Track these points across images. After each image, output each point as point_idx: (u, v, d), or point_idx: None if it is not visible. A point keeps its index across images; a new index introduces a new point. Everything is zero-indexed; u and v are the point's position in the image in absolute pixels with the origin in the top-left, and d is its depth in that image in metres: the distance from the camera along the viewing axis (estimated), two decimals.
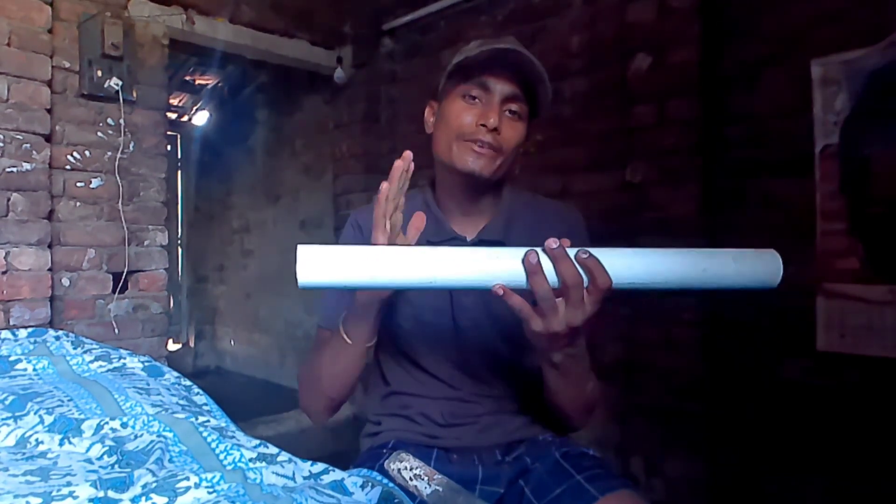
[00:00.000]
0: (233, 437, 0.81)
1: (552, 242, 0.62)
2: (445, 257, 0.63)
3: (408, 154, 0.72)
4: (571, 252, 0.63)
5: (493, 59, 0.83)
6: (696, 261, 0.65)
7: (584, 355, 0.80)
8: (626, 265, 0.64)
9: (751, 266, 0.67)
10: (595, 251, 0.64)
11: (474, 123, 0.84)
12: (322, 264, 0.61)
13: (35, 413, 0.87)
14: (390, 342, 0.94)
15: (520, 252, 0.63)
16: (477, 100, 0.85)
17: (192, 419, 0.84)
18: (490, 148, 0.84)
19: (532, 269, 0.63)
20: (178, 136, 4.70)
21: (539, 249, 0.63)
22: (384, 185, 0.71)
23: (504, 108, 0.85)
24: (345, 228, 0.99)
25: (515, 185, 1.00)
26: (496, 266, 0.63)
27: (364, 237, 0.95)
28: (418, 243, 0.93)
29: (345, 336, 0.82)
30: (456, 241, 0.92)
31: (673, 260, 0.65)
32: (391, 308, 0.89)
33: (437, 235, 0.93)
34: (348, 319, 0.82)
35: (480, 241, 0.92)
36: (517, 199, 0.97)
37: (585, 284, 0.64)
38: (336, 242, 1.00)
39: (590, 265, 0.63)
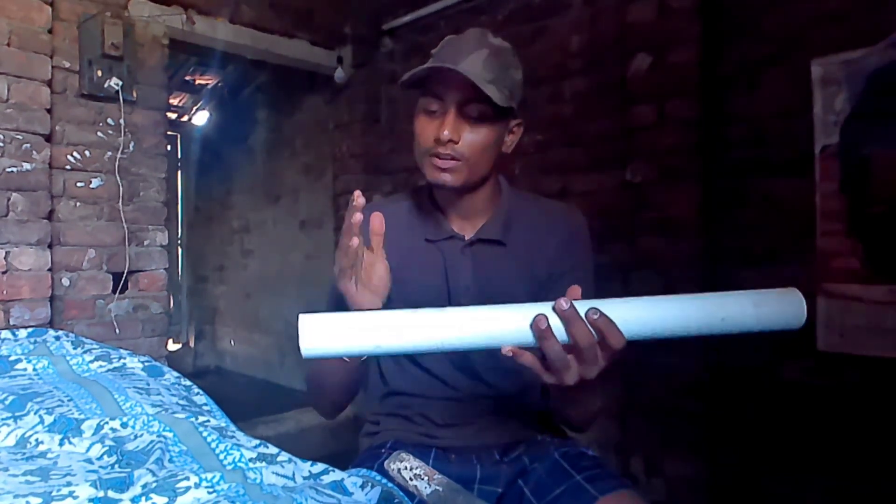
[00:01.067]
0: (233, 437, 0.81)
1: (563, 303, 0.60)
2: (452, 322, 0.61)
3: (359, 202, 0.69)
4: (582, 310, 0.61)
5: (436, 71, 0.81)
6: (713, 308, 0.63)
7: (596, 386, 0.80)
8: (639, 318, 0.62)
9: (772, 310, 0.64)
10: (606, 305, 0.62)
11: (432, 138, 0.84)
12: (325, 334, 0.59)
13: (35, 413, 0.87)
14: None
15: (529, 312, 0.61)
16: (436, 112, 0.85)
17: (192, 419, 0.84)
18: (450, 159, 0.84)
19: (541, 334, 0.60)
20: (178, 136, 4.70)
21: (548, 310, 0.61)
22: (351, 242, 0.70)
23: (463, 114, 0.83)
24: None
25: (516, 185, 1.01)
26: (505, 328, 0.61)
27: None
28: (415, 242, 0.94)
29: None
30: (454, 239, 0.93)
31: (689, 308, 0.63)
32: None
33: (436, 235, 0.93)
34: None
35: (478, 240, 0.92)
36: (517, 198, 0.97)
37: (597, 339, 0.62)
38: (336, 242, 1.00)
39: (601, 326, 0.61)
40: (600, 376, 0.65)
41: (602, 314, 0.61)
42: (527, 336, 0.61)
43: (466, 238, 0.93)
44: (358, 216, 0.69)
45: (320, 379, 0.88)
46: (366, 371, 0.89)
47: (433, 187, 0.91)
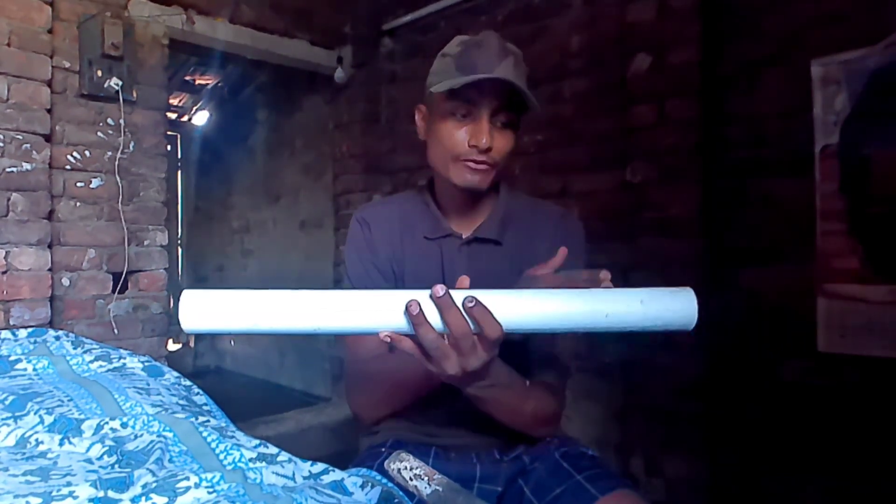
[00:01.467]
0: (233, 437, 0.81)
1: (438, 290, 0.59)
2: (329, 303, 0.60)
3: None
4: (459, 298, 0.60)
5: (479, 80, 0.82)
6: (598, 304, 0.62)
7: (508, 383, 0.79)
8: (519, 311, 0.61)
9: (661, 308, 0.62)
10: (485, 295, 0.61)
11: (466, 143, 0.85)
12: (205, 309, 0.60)
13: (35, 413, 0.87)
14: None
15: (404, 297, 0.60)
16: (466, 117, 0.85)
17: (192, 419, 0.84)
18: (485, 164, 0.86)
19: (415, 320, 0.60)
20: (178, 136, 4.70)
21: (423, 296, 0.60)
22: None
23: (493, 121, 0.85)
24: (351, 228, 0.99)
25: (514, 186, 1.01)
26: (382, 313, 0.60)
27: (372, 234, 0.96)
28: (414, 240, 0.95)
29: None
30: (452, 237, 0.94)
31: (573, 303, 0.62)
32: None
33: (435, 232, 0.95)
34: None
35: (476, 239, 0.94)
36: (515, 199, 0.98)
37: (475, 331, 0.62)
38: (336, 242, 1.01)
39: (476, 315, 0.60)
40: (500, 373, 0.66)
41: (478, 303, 0.60)
42: (403, 322, 0.61)
43: (464, 237, 0.94)
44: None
45: (381, 375, 0.87)
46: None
47: (453, 188, 0.91)
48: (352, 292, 0.62)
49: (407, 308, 0.59)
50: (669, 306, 0.62)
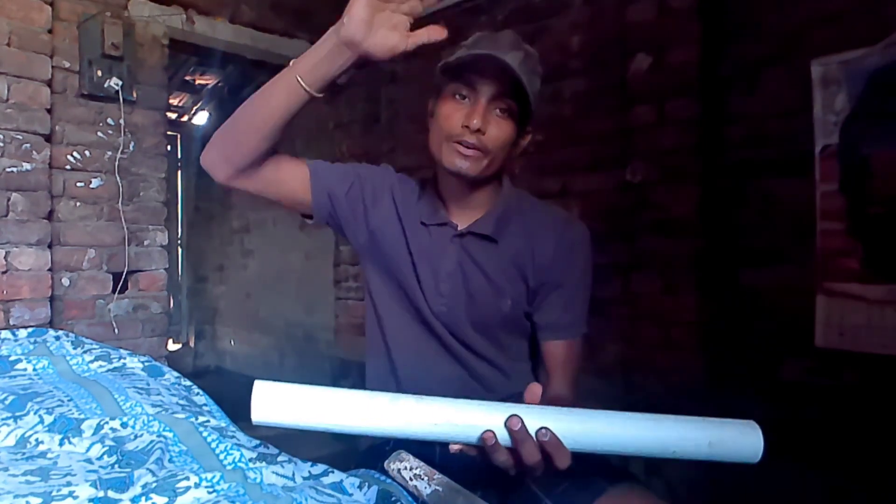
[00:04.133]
0: (233, 437, 0.81)
1: (514, 423, 0.61)
2: (402, 415, 0.62)
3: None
4: (533, 425, 0.61)
5: (479, 61, 0.82)
6: (667, 440, 0.64)
7: None
8: (589, 436, 0.63)
9: (727, 448, 0.64)
10: (558, 417, 0.63)
11: (460, 124, 0.84)
12: (279, 403, 0.61)
13: (35, 413, 0.87)
14: (389, 304, 0.98)
15: (480, 417, 0.62)
16: (466, 99, 0.85)
17: (192, 419, 0.84)
18: (475, 149, 0.85)
19: (490, 449, 0.62)
20: (178, 136, 4.71)
21: (498, 421, 0.61)
22: None
23: (492, 107, 0.84)
24: (355, 165, 1.01)
25: (519, 186, 1.01)
26: (455, 430, 0.62)
27: (369, 188, 0.97)
28: (411, 223, 0.95)
29: (298, 75, 0.77)
30: (447, 226, 0.94)
31: (644, 434, 0.64)
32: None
33: (431, 219, 0.95)
34: (309, 53, 0.79)
35: (470, 233, 0.94)
36: (517, 198, 0.98)
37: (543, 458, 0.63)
38: (336, 242, 1.02)
39: (549, 448, 0.62)
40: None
41: (552, 435, 0.61)
42: (475, 439, 0.62)
43: (459, 228, 0.94)
44: None
45: (247, 106, 0.83)
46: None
47: (446, 174, 0.91)
48: (426, 403, 0.63)
49: (482, 437, 0.61)
50: (734, 445, 0.64)
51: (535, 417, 0.62)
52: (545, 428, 0.61)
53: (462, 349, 0.95)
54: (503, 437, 0.62)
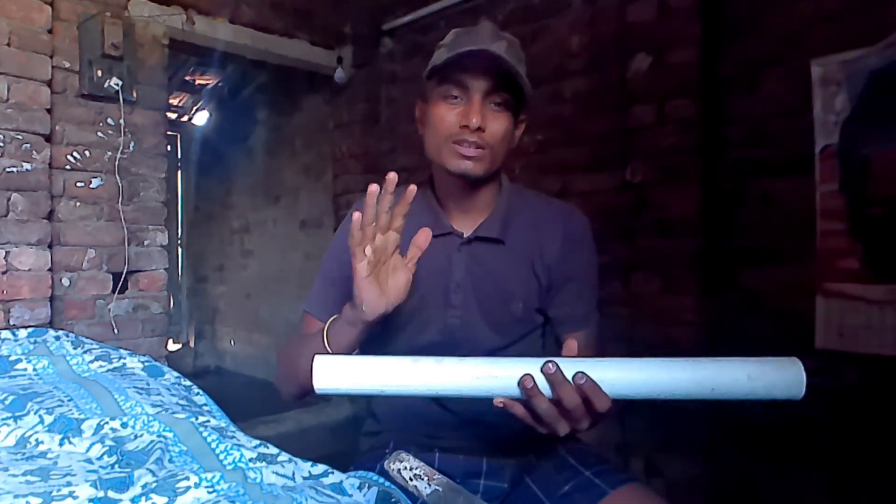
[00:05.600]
0: (233, 437, 0.80)
1: (550, 367, 0.62)
2: (448, 373, 0.65)
3: (391, 177, 0.70)
4: (569, 372, 0.62)
5: (465, 58, 0.81)
6: (705, 377, 0.64)
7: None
8: (626, 381, 0.64)
9: (768, 382, 0.64)
10: (593, 365, 0.63)
11: (457, 125, 0.83)
12: (336, 373, 0.66)
13: (35, 413, 0.87)
14: (387, 341, 0.94)
15: (520, 368, 0.63)
16: (458, 99, 0.84)
17: (192, 419, 0.84)
18: (477, 147, 0.83)
19: (528, 392, 0.63)
20: (178, 136, 4.70)
21: (536, 369, 0.63)
22: (356, 216, 0.70)
23: (487, 102, 0.83)
24: (345, 220, 0.99)
25: (518, 184, 1.00)
26: (496, 383, 0.65)
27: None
28: (412, 236, 0.93)
29: (326, 343, 0.81)
30: (452, 235, 0.92)
31: (679, 375, 0.64)
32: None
33: (435, 230, 0.93)
34: (332, 327, 0.81)
35: (477, 238, 0.92)
36: (517, 195, 0.97)
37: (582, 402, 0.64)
38: (336, 242, 1.00)
39: (586, 391, 0.62)
40: (596, 422, 0.66)
41: (588, 378, 0.62)
42: (517, 390, 0.64)
43: (465, 235, 0.93)
44: (374, 188, 0.70)
45: (298, 358, 0.85)
46: None
47: (448, 178, 0.89)
48: (468, 361, 0.66)
49: (521, 382, 0.63)
50: (776, 379, 0.64)
51: (572, 366, 0.63)
52: (581, 372, 0.62)
53: (480, 352, 0.94)
54: (543, 386, 0.63)
